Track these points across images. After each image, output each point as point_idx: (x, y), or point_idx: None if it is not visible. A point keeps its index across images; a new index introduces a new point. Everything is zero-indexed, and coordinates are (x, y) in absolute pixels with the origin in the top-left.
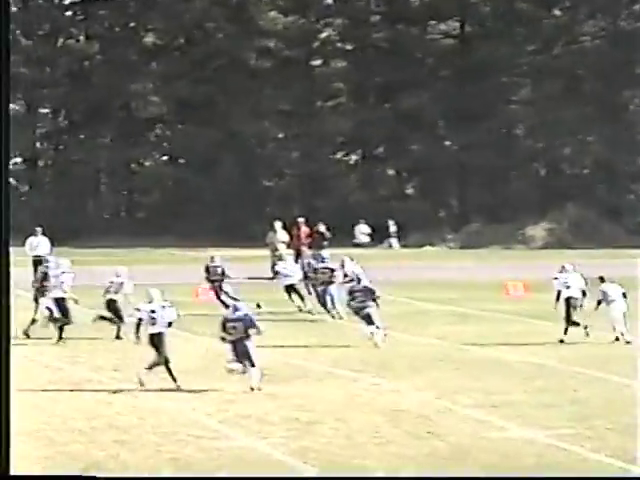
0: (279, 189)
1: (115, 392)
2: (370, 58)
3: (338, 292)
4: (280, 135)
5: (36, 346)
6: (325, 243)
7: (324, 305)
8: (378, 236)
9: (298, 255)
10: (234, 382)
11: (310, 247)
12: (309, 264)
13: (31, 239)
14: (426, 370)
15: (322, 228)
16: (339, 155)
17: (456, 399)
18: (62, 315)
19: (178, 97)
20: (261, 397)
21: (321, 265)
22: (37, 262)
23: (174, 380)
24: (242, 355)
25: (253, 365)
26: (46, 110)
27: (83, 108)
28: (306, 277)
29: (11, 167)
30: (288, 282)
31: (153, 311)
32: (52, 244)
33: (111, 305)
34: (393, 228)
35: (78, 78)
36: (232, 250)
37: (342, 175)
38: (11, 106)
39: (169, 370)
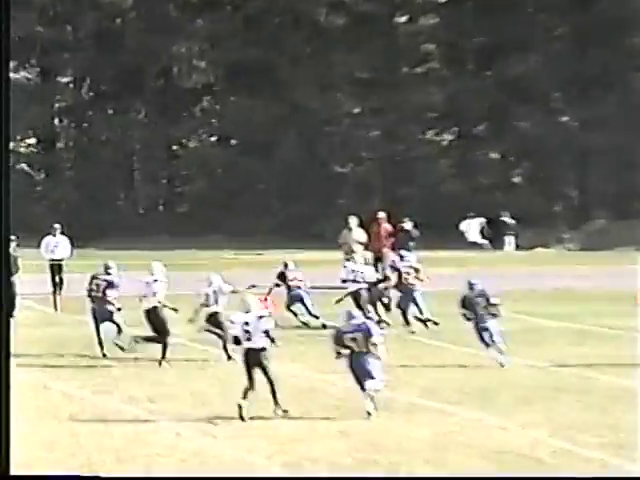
0: (354, 177)
1: (150, 425)
2: (467, 13)
3: (422, 299)
4: (356, 110)
5: (53, 371)
6: (411, 244)
7: (403, 314)
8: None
9: (378, 259)
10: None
11: (393, 248)
12: (391, 266)
13: (48, 239)
14: (539, 402)
15: (408, 225)
16: (429, 134)
17: (576, 438)
18: (156, 330)
19: (229, 62)
20: (332, 434)
21: (403, 264)
22: (55, 267)
23: (278, 407)
24: (362, 372)
25: (374, 385)
26: (67, 79)
27: (112, 76)
28: (380, 282)
29: (23, 150)
30: (358, 289)
31: (247, 323)
32: (72, 245)
33: (213, 320)
34: (509, 223)
35: (106, 39)
36: (295, 253)
37: (433, 159)
38: (24, 74)
39: (274, 394)
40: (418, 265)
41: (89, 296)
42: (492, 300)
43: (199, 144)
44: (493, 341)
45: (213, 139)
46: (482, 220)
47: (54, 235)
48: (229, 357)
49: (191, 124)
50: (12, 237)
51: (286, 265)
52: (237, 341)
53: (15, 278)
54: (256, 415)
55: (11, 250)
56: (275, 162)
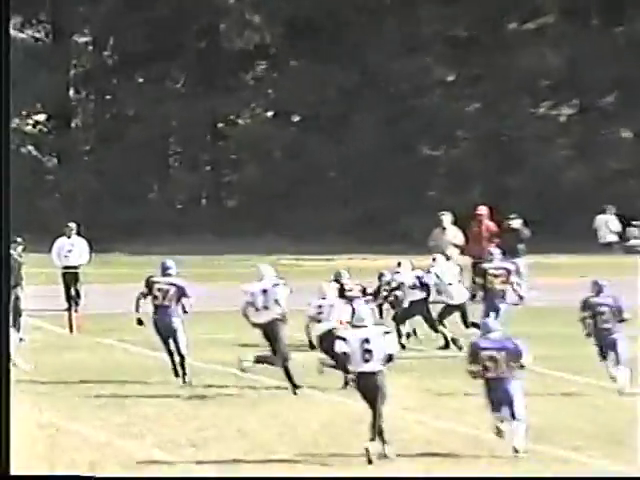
0: (448, 162)
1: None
2: None
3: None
4: (449, 77)
5: (68, 407)
6: (521, 247)
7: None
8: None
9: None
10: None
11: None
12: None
13: (61, 242)
14: None
15: (516, 223)
16: (543, 108)
17: None
18: (273, 350)
19: (289, 17)
20: None
21: (491, 266)
22: (70, 277)
23: (384, 444)
24: (502, 401)
25: (515, 417)
26: (85, 39)
27: (142, 35)
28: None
29: (29, 129)
30: (452, 302)
31: (367, 340)
32: (91, 249)
33: (325, 343)
34: None
35: None
36: (372, 257)
37: (548, 139)
38: (31, 33)
39: (379, 429)
40: (511, 266)
41: (154, 305)
42: (624, 314)
43: (252, 121)
44: (618, 362)
45: (269, 114)
46: (612, 217)
47: (68, 237)
48: (346, 384)
49: (242, 96)
50: (17, 239)
51: (339, 275)
52: (348, 362)
53: (19, 291)
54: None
55: (15, 255)
56: (348, 143)
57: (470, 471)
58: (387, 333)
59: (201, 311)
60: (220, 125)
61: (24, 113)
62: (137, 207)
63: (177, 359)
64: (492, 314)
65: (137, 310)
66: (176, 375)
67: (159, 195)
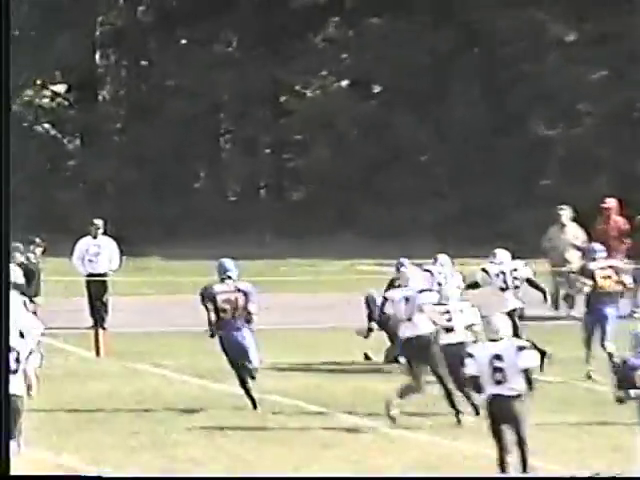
0: (566, 143)
1: None
2: None
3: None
4: (568, 37)
5: (95, 449)
6: None
7: (586, 342)
8: None
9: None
10: None
11: (629, 255)
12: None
13: (85, 243)
14: None
15: None
16: None
17: None
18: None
19: None
20: None
21: (596, 264)
22: (97, 287)
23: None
24: None
25: None
26: None
27: None
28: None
29: (46, 102)
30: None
31: (499, 357)
32: (122, 252)
33: (450, 356)
34: None
35: None
36: (471, 260)
37: None
38: None
39: (524, 462)
40: (619, 264)
41: (218, 318)
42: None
43: (322, 92)
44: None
45: (344, 84)
46: None
47: (94, 237)
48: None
49: (309, 61)
50: (35, 240)
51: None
52: (477, 386)
53: (35, 304)
54: None
55: (32, 259)
56: (442, 121)
57: None
58: (522, 348)
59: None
60: (283, 98)
61: (39, 83)
62: (179, 200)
63: (250, 383)
64: (598, 323)
65: (211, 325)
66: (254, 406)
67: (207, 185)
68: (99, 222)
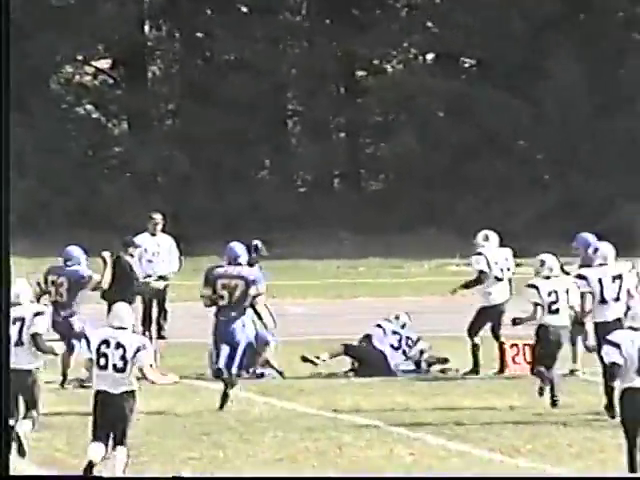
0: None
1: None
2: None
3: None
4: None
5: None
6: None
7: None
8: None
9: None
10: None
11: None
12: None
13: (142, 240)
14: None
15: None
16: None
17: None
18: None
19: None
20: None
21: None
22: (155, 292)
23: None
24: None
25: None
26: None
27: None
28: None
29: (88, 79)
30: None
31: None
32: (181, 252)
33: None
34: None
35: None
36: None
37: None
38: None
39: None
40: None
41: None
42: None
43: (404, 67)
44: None
45: (429, 58)
46: None
47: (152, 233)
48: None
49: (389, 32)
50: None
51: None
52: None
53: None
54: None
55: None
56: (541, 99)
57: None
58: None
59: (327, 338)
60: (359, 74)
61: (80, 58)
62: (241, 192)
63: (233, 376)
64: None
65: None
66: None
67: (273, 174)
68: (158, 217)
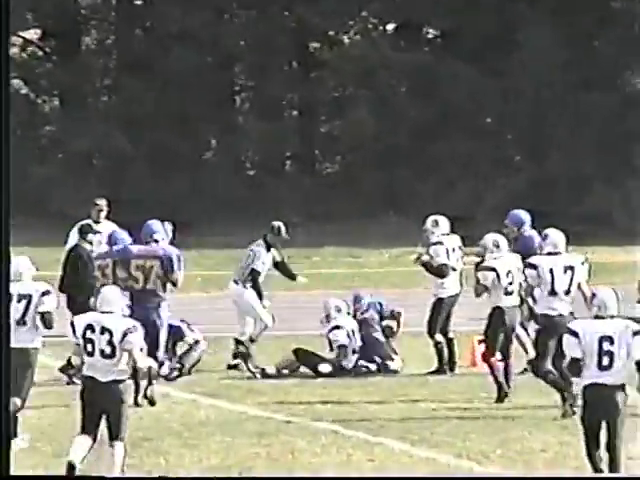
0: None
1: None
2: None
3: None
4: None
5: None
6: None
7: None
8: None
9: None
10: None
11: None
12: None
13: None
14: None
15: None
16: None
17: None
18: None
19: None
20: None
21: None
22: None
23: None
24: None
25: None
26: None
27: None
28: None
29: (15, 52)
30: None
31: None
32: None
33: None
34: None
35: None
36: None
37: None
38: None
39: None
40: None
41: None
42: None
43: (362, 39)
44: None
45: (389, 28)
46: None
47: (96, 221)
48: None
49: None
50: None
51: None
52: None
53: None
54: None
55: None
56: (511, 72)
57: None
58: (638, 333)
59: (276, 335)
60: (313, 46)
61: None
62: (185, 175)
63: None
64: None
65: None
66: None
67: (219, 155)
68: (102, 202)
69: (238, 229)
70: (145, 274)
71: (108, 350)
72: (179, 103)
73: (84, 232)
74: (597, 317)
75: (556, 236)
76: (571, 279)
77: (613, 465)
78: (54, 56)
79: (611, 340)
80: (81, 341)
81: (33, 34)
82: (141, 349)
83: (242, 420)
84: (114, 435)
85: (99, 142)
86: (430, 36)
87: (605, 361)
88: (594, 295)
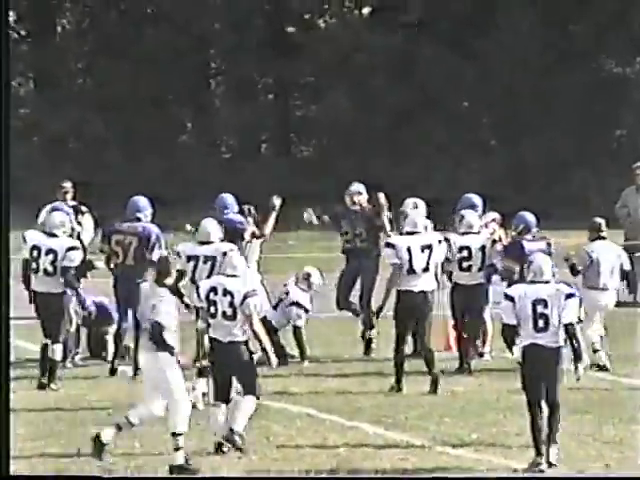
0: None
1: None
2: None
3: None
4: None
5: None
6: None
7: None
8: None
9: None
10: None
11: None
12: None
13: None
14: None
15: None
16: None
17: None
18: None
19: None
20: None
21: None
22: None
23: None
24: None
25: None
26: None
27: None
28: None
29: None
30: None
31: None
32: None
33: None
34: None
35: None
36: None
37: None
38: None
39: None
40: None
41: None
42: None
43: (337, 21)
44: None
45: (365, 11)
46: None
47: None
48: None
49: None
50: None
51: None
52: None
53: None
54: None
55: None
56: (487, 56)
57: None
58: (570, 296)
59: None
60: (289, 29)
61: None
62: (160, 156)
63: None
64: None
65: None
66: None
67: (194, 138)
68: (68, 185)
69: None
70: (124, 249)
71: (229, 312)
72: (154, 86)
73: (77, 212)
74: (532, 282)
75: (416, 217)
76: (429, 257)
77: (552, 420)
78: (28, 38)
79: (545, 303)
80: (205, 303)
81: (9, 16)
82: (258, 313)
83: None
84: (247, 391)
85: (74, 125)
86: (406, 19)
87: (540, 323)
88: (531, 262)
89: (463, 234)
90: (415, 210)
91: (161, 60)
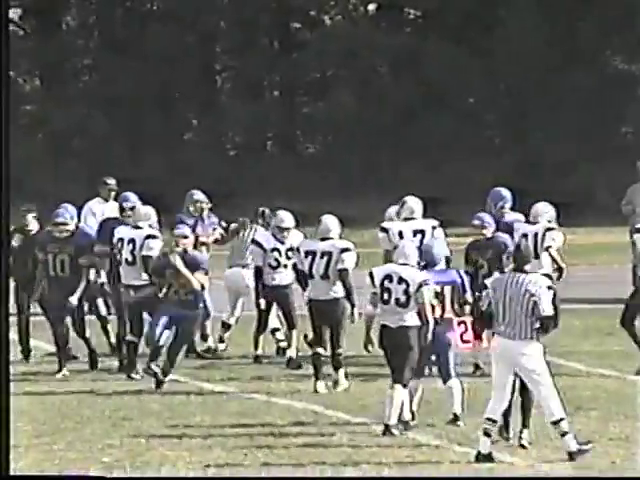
0: None
1: None
2: None
3: None
4: None
5: None
6: None
7: None
8: None
9: None
10: None
11: None
12: None
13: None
14: None
15: None
16: None
17: None
18: None
19: None
20: None
21: None
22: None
23: None
24: None
25: None
26: None
27: None
28: None
29: None
30: None
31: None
32: None
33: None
34: None
35: None
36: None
37: None
38: None
39: None
40: None
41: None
42: None
43: (344, 19)
44: None
45: (371, 8)
46: None
47: (106, 200)
48: None
49: None
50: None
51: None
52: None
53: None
54: None
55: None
56: (493, 53)
57: None
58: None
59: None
60: (294, 26)
61: None
62: (166, 154)
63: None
64: None
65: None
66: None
67: (200, 135)
68: (112, 182)
69: (219, 210)
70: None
71: (403, 299)
72: (160, 83)
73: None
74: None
75: (412, 203)
76: (420, 242)
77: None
78: (34, 35)
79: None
80: (378, 289)
81: (13, 13)
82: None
83: (222, 401)
84: (395, 379)
85: (79, 122)
86: (411, 16)
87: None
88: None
89: (404, 220)
90: (413, 198)
91: (167, 57)
